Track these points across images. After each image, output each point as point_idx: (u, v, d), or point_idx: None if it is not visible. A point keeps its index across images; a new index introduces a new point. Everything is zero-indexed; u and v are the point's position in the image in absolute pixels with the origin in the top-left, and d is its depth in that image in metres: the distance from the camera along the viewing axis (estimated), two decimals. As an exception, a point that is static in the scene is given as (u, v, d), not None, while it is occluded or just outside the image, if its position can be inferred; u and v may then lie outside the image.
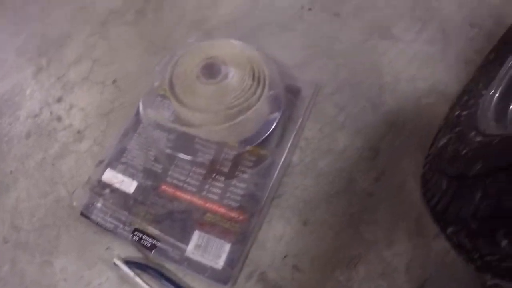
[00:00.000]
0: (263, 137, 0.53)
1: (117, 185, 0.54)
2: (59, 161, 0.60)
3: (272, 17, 0.67)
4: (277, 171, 0.53)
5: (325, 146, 0.55)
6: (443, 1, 0.69)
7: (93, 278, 0.52)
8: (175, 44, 0.65)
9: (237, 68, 0.52)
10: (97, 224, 0.53)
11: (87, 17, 0.70)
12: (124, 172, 0.55)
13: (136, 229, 0.52)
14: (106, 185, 0.54)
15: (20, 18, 0.73)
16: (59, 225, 0.56)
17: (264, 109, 0.53)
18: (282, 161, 0.53)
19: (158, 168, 0.55)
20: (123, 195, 0.54)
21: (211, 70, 0.52)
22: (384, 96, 0.59)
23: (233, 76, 0.52)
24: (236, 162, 0.54)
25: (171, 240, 0.50)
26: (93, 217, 0.53)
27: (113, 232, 0.52)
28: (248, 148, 0.54)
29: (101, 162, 0.56)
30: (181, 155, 0.53)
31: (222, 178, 0.53)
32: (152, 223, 0.51)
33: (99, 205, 0.54)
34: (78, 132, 0.61)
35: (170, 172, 0.55)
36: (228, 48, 0.54)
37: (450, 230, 0.38)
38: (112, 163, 0.56)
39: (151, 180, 0.54)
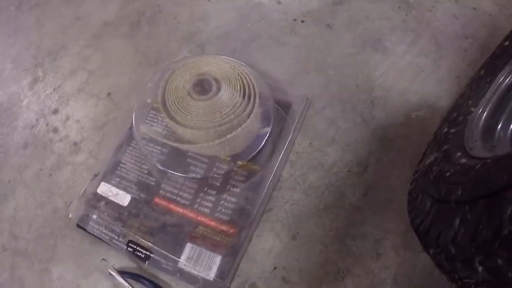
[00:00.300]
0: (254, 153, 0.54)
1: (111, 198, 0.56)
2: (55, 172, 0.61)
3: (264, 30, 0.67)
4: (267, 186, 0.54)
5: (315, 160, 0.56)
6: (438, 11, 0.69)
7: (89, 286, 0.53)
8: (169, 56, 0.66)
9: (227, 85, 0.53)
10: (92, 235, 0.54)
11: (81, 29, 0.71)
12: (119, 185, 0.56)
13: (130, 241, 0.53)
14: (101, 198, 0.56)
15: (14, 28, 0.74)
16: (56, 235, 0.57)
17: (254, 125, 0.54)
18: (272, 175, 0.54)
19: (151, 181, 0.56)
20: (118, 207, 0.55)
21: (202, 86, 0.53)
22: (375, 110, 0.59)
23: (224, 92, 0.52)
24: (228, 177, 0.55)
25: (164, 252, 0.52)
26: (88, 228, 0.55)
27: (108, 243, 0.54)
28: (240, 163, 0.55)
29: (96, 175, 0.58)
30: (173, 172, 0.54)
31: (214, 192, 0.55)
32: (145, 235, 0.53)
33: (94, 217, 0.55)
34: (74, 143, 0.63)
35: (163, 185, 0.56)
36: (219, 64, 0.55)
37: (431, 251, 0.39)
38: (106, 176, 0.57)
39: (145, 193, 0.56)
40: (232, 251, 0.51)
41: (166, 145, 0.56)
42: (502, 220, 0.29)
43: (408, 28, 0.67)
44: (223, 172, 0.55)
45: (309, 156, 0.57)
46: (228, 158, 0.55)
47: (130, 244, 0.53)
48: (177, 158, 0.56)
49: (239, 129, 0.51)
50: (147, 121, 0.59)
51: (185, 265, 0.51)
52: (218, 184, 0.55)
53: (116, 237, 0.54)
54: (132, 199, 0.55)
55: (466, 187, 0.36)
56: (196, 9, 0.70)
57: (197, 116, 0.52)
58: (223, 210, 0.53)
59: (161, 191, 0.55)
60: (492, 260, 0.29)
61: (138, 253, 0.52)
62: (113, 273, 0.52)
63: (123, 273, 0.52)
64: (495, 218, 0.30)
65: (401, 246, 0.51)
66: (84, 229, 0.55)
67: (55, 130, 0.64)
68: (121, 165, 0.58)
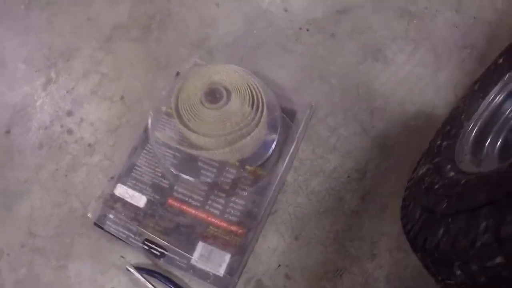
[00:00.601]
0: (263, 159, 0.58)
1: (128, 199, 0.59)
2: (71, 173, 0.64)
3: (271, 37, 0.69)
4: (273, 190, 0.58)
5: (317, 167, 0.60)
6: (438, 21, 0.71)
7: (106, 282, 0.58)
8: (179, 62, 0.68)
9: (237, 94, 0.56)
10: (109, 233, 0.58)
11: (92, 30, 0.72)
12: (134, 187, 0.60)
13: (146, 239, 0.57)
14: (118, 199, 0.60)
15: (25, 27, 0.75)
16: (73, 233, 0.61)
17: (262, 133, 0.58)
18: (277, 180, 0.58)
19: (165, 183, 0.60)
20: (134, 208, 0.59)
21: (213, 95, 0.56)
22: (375, 119, 0.63)
23: (234, 102, 0.56)
24: (236, 181, 0.59)
25: (178, 250, 0.56)
26: (106, 227, 0.59)
27: (125, 241, 0.58)
28: (248, 168, 0.58)
29: (112, 177, 0.61)
30: (185, 176, 0.58)
31: (223, 195, 0.59)
32: (161, 235, 0.57)
33: (111, 216, 0.59)
34: (89, 145, 0.66)
35: (176, 188, 0.60)
36: (229, 73, 0.58)
37: (419, 254, 0.44)
38: (122, 178, 0.61)
39: (159, 194, 0.60)
40: (240, 250, 0.56)
41: (179, 150, 0.59)
42: (478, 233, 0.33)
43: (409, 37, 0.69)
44: (232, 176, 0.59)
45: (312, 163, 0.61)
46: (237, 163, 0.59)
47: (146, 242, 0.57)
48: (189, 162, 0.59)
49: (248, 137, 0.55)
50: (160, 126, 0.62)
51: (197, 262, 0.56)
52: (227, 187, 0.59)
53: (133, 236, 0.58)
54: (148, 201, 0.59)
55: (451, 201, 0.40)
56: (204, 14, 0.72)
57: (209, 124, 0.55)
58: (232, 212, 0.58)
59: (174, 193, 0.59)
60: (468, 266, 0.34)
61: (153, 251, 0.57)
62: (130, 269, 0.57)
63: (139, 269, 0.57)
64: (472, 230, 0.34)
65: (394, 247, 0.56)
66: (102, 228, 0.59)
67: (70, 132, 0.67)
68: (136, 167, 0.61)
